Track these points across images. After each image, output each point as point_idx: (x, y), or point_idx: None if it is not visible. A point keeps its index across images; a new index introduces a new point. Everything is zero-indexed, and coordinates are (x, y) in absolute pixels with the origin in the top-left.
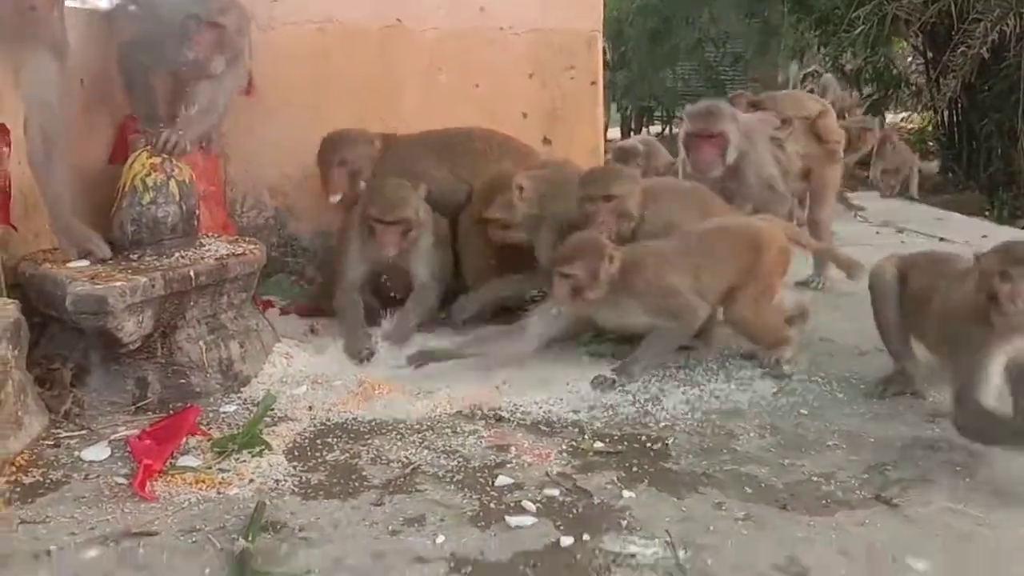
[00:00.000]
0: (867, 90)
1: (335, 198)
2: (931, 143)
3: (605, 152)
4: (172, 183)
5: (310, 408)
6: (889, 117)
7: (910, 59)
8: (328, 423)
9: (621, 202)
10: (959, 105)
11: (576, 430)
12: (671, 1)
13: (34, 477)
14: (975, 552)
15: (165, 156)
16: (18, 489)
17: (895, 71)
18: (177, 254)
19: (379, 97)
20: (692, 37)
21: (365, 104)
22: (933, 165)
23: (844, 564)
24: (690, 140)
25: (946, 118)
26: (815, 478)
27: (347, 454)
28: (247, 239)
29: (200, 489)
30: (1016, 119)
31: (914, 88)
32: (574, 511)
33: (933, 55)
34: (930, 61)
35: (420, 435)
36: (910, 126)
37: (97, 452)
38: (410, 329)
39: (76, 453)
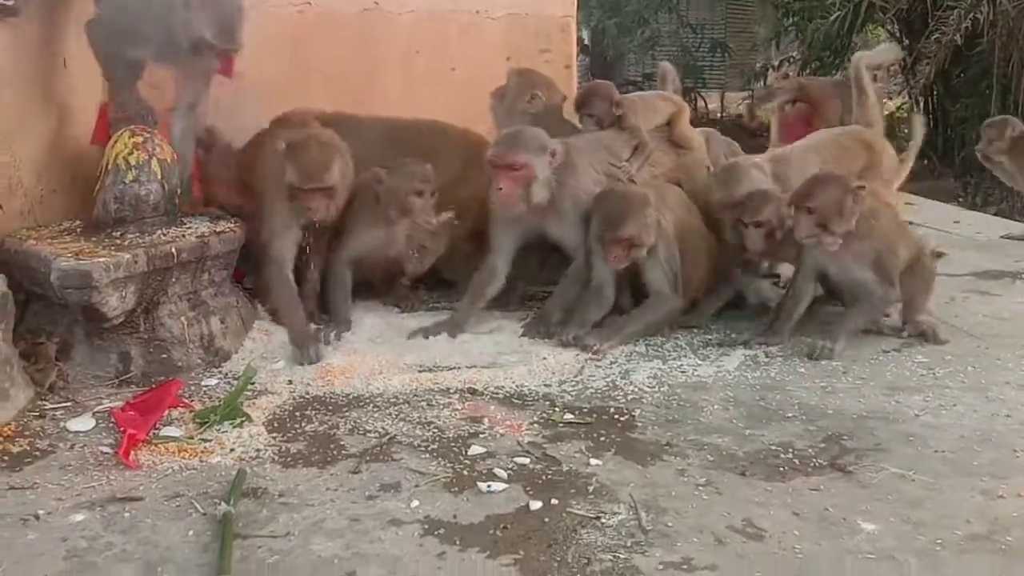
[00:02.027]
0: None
1: None
2: (906, 128)
3: None
4: (154, 162)
5: (289, 382)
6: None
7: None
8: (307, 396)
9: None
10: (934, 91)
11: (547, 403)
12: None
13: (21, 447)
14: (923, 515)
15: (148, 135)
16: (5, 458)
17: None
18: (159, 232)
19: (357, 80)
20: (670, 23)
21: (343, 87)
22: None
23: (798, 525)
24: (490, 169)
25: (921, 104)
26: (774, 447)
27: (325, 425)
28: (228, 218)
29: (183, 458)
30: (989, 105)
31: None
32: (543, 478)
33: (908, 42)
34: (905, 48)
35: (396, 408)
36: (884, 112)
37: (82, 423)
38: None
39: (62, 424)
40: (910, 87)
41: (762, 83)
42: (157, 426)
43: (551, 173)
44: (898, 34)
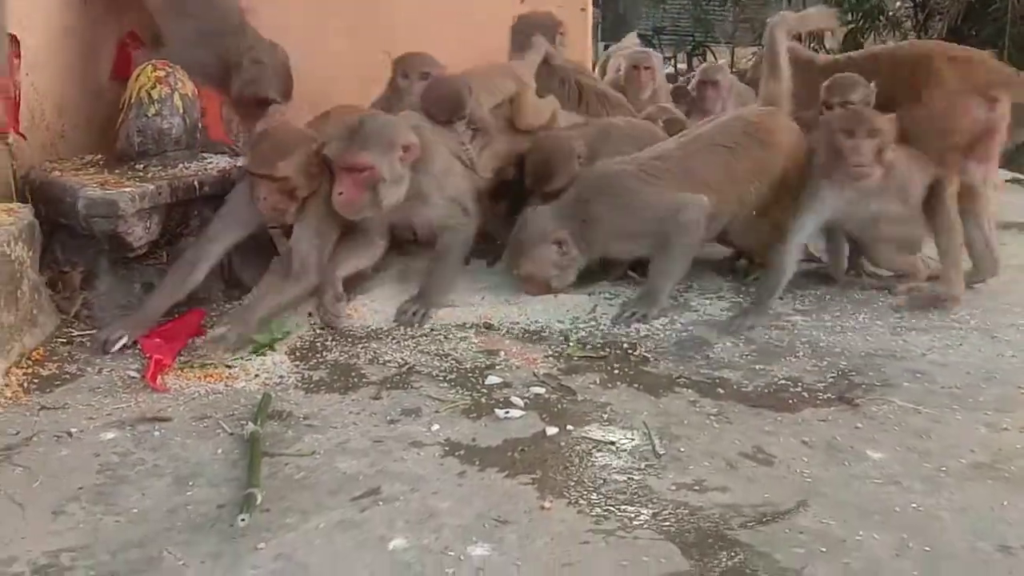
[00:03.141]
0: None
1: None
2: None
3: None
4: (176, 96)
5: (309, 315)
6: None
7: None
8: (326, 328)
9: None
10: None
11: (561, 338)
12: None
13: (50, 370)
14: (929, 445)
15: (170, 70)
16: (36, 380)
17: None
18: (181, 165)
19: (374, 19)
20: None
21: (360, 26)
22: None
23: (806, 453)
24: (335, 170)
25: None
26: (783, 381)
27: (346, 355)
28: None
29: (209, 382)
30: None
31: (892, 17)
32: (559, 406)
33: None
34: (918, 4)
35: (414, 340)
36: None
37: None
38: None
39: (88, 346)
40: None
41: None
42: (181, 352)
43: (405, 169)
44: None
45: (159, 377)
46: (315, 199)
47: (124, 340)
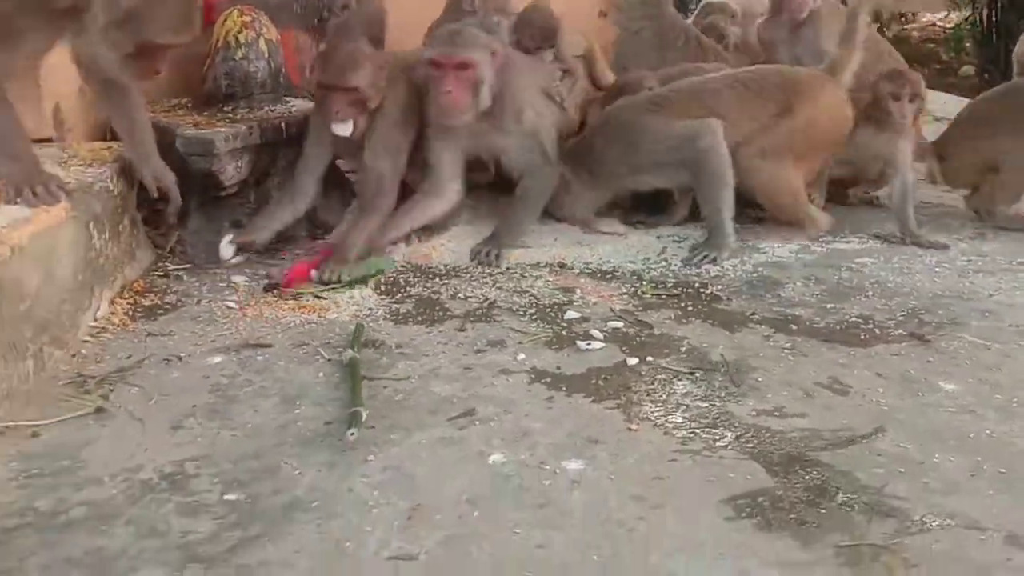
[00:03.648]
0: None
1: None
2: (967, 43)
3: None
4: (262, 40)
5: (389, 251)
6: (927, 16)
7: None
8: (407, 265)
9: None
10: (999, 4)
11: (634, 277)
12: None
13: (151, 301)
14: (1000, 378)
15: (255, 15)
16: (139, 310)
17: None
18: (266, 108)
19: None
20: None
21: None
22: (969, 68)
23: (881, 384)
24: (429, 72)
25: (984, 17)
26: (854, 319)
27: (428, 291)
28: None
29: (303, 314)
30: None
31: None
32: (637, 339)
33: None
34: None
35: (492, 278)
36: (948, 25)
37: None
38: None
39: (185, 282)
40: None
41: None
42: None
43: (493, 74)
44: None
45: (294, 283)
46: (382, 119)
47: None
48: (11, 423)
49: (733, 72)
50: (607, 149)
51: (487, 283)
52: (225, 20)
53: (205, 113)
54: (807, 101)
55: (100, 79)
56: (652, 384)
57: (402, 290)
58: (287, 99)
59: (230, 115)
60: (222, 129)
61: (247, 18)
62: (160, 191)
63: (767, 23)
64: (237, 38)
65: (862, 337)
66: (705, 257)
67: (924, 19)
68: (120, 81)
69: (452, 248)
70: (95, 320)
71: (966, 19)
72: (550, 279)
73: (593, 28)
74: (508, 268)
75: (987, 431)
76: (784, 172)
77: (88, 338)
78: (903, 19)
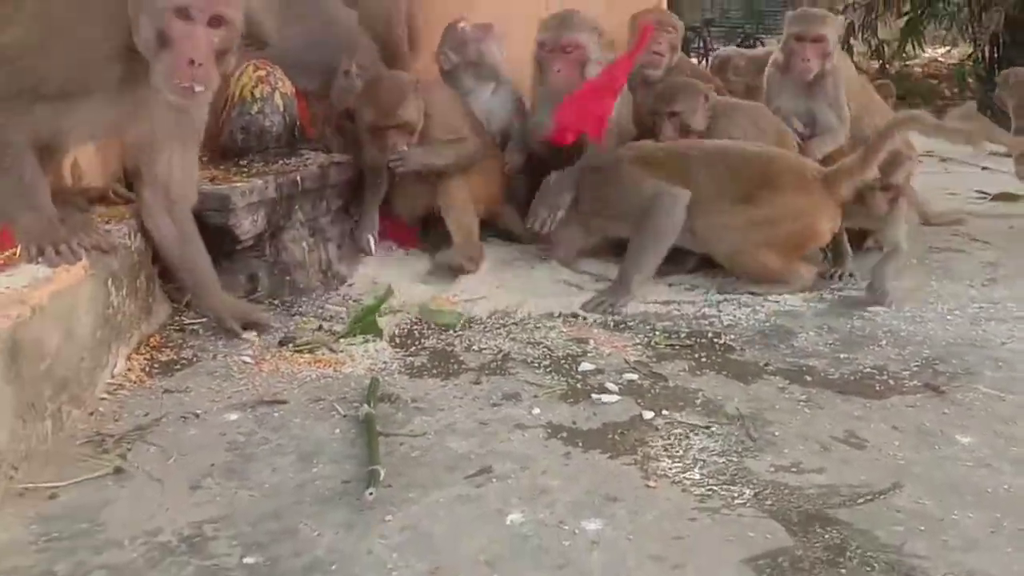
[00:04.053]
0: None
1: None
2: (970, 79)
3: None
4: (277, 95)
5: (402, 303)
6: (928, 52)
7: None
8: (420, 319)
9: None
10: (1000, 40)
11: (647, 327)
12: None
13: (168, 356)
14: (1016, 431)
15: (270, 69)
16: (156, 365)
17: None
18: (281, 161)
19: None
20: None
21: None
22: (972, 104)
23: (897, 437)
24: (544, 52)
25: (987, 53)
26: (868, 369)
27: (443, 343)
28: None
29: (318, 368)
30: None
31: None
32: (652, 392)
33: None
34: None
35: (505, 329)
36: (951, 62)
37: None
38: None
39: (201, 336)
40: (976, 35)
41: None
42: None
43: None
44: None
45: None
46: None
47: (373, 238)
48: (30, 484)
49: (723, 145)
50: (590, 191)
51: (501, 334)
52: (240, 75)
53: (221, 167)
54: (776, 195)
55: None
56: (668, 439)
57: (416, 342)
58: (302, 151)
59: (245, 169)
60: (238, 184)
61: (262, 72)
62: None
63: (773, 80)
64: (252, 93)
65: (877, 388)
66: (601, 303)
67: (926, 55)
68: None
69: (464, 299)
70: (112, 377)
71: (969, 56)
72: (563, 330)
73: None
74: (521, 319)
75: (1004, 486)
76: (755, 256)
77: (106, 395)
78: (905, 55)
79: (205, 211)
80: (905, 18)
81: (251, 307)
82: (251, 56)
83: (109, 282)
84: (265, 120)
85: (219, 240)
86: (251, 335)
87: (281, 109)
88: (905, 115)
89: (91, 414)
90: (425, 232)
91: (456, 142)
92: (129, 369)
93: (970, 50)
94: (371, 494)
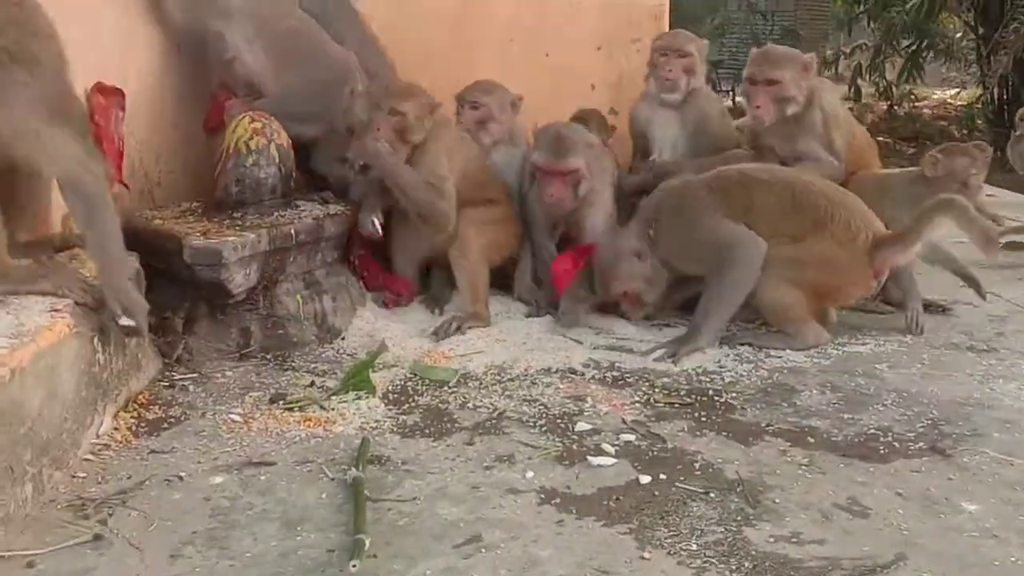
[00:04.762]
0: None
1: None
2: (980, 120)
3: None
4: (272, 147)
5: (396, 359)
6: (937, 93)
7: (960, 35)
8: (415, 374)
9: None
10: (1009, 82)
11: (646, 383)
12: None
13: (155, 414)
14: (1022, 498)
15: (266, 121)
16: (143, 424)
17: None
18: (276, 213)
19: (454, 65)
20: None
21: (439, 72)
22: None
23: (901, 504)
24: (539, 172)
25: (996, 95)
26: (872, 431)
27: (436, 400)
28: (336, 201)
29: (308, 427)
30: None
31: (952, 48)
32: (650, 454)
33: (984, 31)
34: (981, 37)
35: (501, 385)
36: (959, 103)
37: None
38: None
39: (191, 392)
40: (985, 78)
41: (833, 71)
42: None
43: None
44: (973, 23)
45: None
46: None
47: (377, 219)
48: (6, 552)
49: (791, 177)
50: (668, 230)
51: (496, 391)
52: (236, 127)
53: (215, 219)
54: (820, 240)
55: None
56: (666, 506)
57: (410, 399)
58: (297, 203)
59: (239, 221)
60: (230, 238)
61: (258, 124)
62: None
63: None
64: (248, 145)
65: (881, 451)
66: (666, 352)
67: (935, 96)
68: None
69: (459, 353)
70: (97, 436)
71: (978, 98)
72: (561, 386)
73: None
74: (518, 375)
75: (1012, 558)
76: (777, 287)
77: (90, 456)
78: (913, 96)
79: (197, 265)
80: (906, 51)
81: (145, 305)
82: (248, 106)
83: (95, 339)
84: (260, 172)
85: (211, 294)
86: (127, 321)
87: (277, 160)
88: (946, 201)
89: (73, 476)
90: (423, 282)
91: (437, 188)
92: (116, 428)
93: (979, 92)
94: (355, 566)
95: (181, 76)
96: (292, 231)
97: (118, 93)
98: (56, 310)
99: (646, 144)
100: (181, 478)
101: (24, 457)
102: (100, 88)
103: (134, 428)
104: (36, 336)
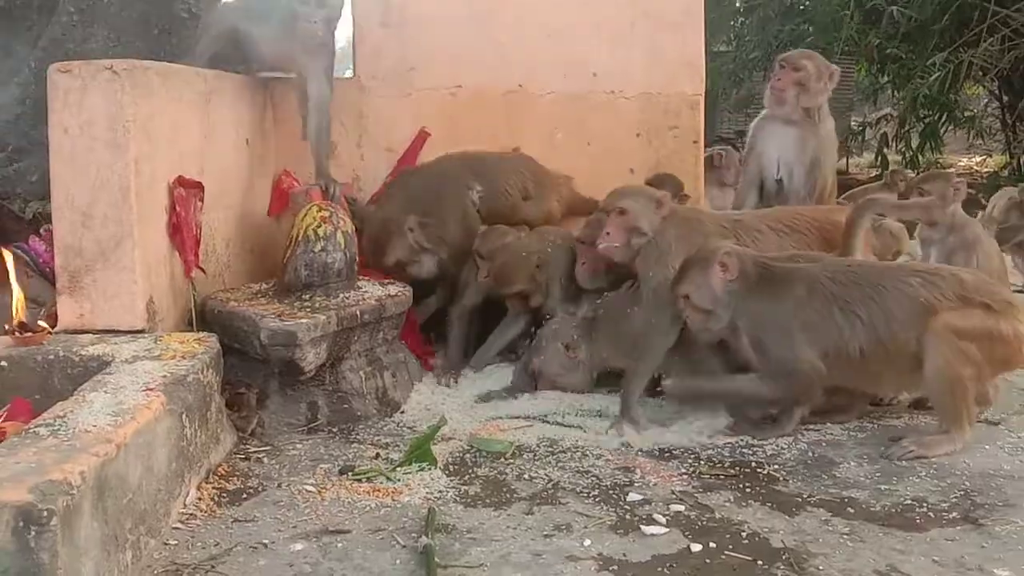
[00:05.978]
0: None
1: None
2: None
3: None
4: (339, 234)
5: (453, 431)
6: (963, 161)
7: (985, 102)
8: (470, 447)
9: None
10: None
11: (692, 456)
12: (745, 49)
13: (235, 485)
14: None
15: (332, 209)
16: (224, 495)
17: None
18: (341, 295)
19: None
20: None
21: None
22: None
23: (938, 572)
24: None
25: (1021, 162)
26: (909, 501)
27: (495, 471)
28: (396, 282)
29: (377, 497)
30: None
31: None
32: (699, 523)
33: (1009, 99)
34: (1006, 106)
35: (554, 457)
36: (985, 170)
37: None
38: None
39: (266, 464)
40: (1011, 146)
41: (859, 140)
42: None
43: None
44: (998, 92)
45: None
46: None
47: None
48: None
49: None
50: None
51: (550, 463)
52: (305, 216)
53: (285, 301)
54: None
55: None
56: (717, 573)
57: (469, 470)
58: (360, 285)
59: (308, 303)
60: (303, 320)
61: (325, 213)
62: None
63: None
64: (316, 232)
65: (917, 521)
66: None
67: (961, 164)
68: None
69: (517, 424)
70: (184, 506)
71: (1004, 166)
72: (610, 458)
73: None
74: (569, 447)
75: None
76: None
77: (179, 524)
78: (939, 165)
79: (272, 346)
80: (925, 122)
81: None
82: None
83: (184, 416)
84: (328, 257)
85: (284, 372)
86: None
87: (342, 246)
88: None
89: (166, 544)
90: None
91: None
92: (199, 498)
93: (1006, 160)
94: None
95: (249, 164)
96: (357, 312)
97: (198, 186)
98: (150, 389)
99: (759, 166)
100: (265, 545)
101: (126, 526)
102: (182, 181)
103: (217, 498)
104: (136, 414)
